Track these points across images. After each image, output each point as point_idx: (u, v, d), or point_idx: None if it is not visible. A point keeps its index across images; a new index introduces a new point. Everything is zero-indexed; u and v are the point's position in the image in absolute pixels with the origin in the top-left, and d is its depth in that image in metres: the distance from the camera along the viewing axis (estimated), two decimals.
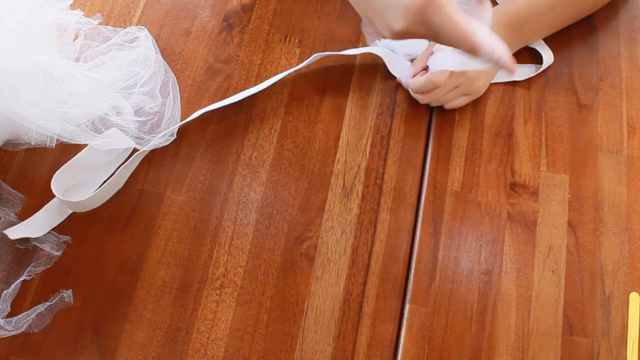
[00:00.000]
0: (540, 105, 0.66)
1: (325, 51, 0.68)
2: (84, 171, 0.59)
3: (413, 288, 0.57)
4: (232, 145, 0.63)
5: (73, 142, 0.55)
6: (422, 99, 0.64)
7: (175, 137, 0.60)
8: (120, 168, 0.59)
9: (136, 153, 0.60)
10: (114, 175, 0.58)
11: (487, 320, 0.56)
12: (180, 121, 0.62)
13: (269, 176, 0.61)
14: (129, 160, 0.59)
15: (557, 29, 0.67)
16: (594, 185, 0.62)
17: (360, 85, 0.66)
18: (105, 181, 0.59)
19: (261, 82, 0.66)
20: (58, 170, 0.58)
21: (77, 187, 0.59)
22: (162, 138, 0.59)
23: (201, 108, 0.64)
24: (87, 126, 0.57)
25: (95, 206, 0.59)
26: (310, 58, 0.65)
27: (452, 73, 0.61)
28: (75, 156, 0.59)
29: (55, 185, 0.57)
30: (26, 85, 0.54)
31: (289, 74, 0.65)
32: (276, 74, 0.66)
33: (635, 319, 0.56)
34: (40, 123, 0.53)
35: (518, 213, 0.61)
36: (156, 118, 0.61)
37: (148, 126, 0.60)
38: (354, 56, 0.68)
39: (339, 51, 0.67)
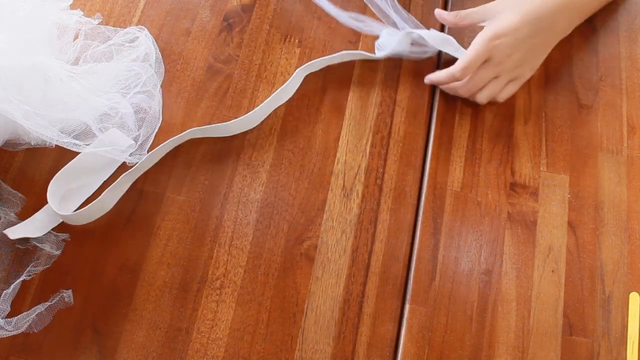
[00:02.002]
0: (540, 105, 0.66)
1: (324, 53, 0.68)
2: (81, 175, 0.59)
3: (413, 288, 0.57)
4: (232, 145, 0.63)
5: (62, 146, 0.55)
6: (461, 92, 0.63)
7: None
8: (107, 190, 0.57)
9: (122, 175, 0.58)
10: (101, 195, 0.57)
11: (487, 320, 0.56)
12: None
13: (269, 176, 0.61)
14: (116, 182, 0.58)
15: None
16: (594, 185, 0.62)
17: (360, 85, 0.66)
18: (99, 188, 0.59)
19: (261, 82, 0.66)
20: (54, 178, 0.57)
21: (75, 192, 0.59)
22: (133, 155, 0.58)
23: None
24: (74, 132, 0.56)
25: (89, 221, 0.58)
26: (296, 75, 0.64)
27: (487, 64, 0.61)
28: (72, 160, 0.58)
29: (51, 193, 0.57)
30: (19, 84, 0.53)
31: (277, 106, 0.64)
32: (276, 74, 0.67)
33: (635, 319, 0.56)
34: (26, 123, 0.52)
35: (518, 213, 0.61)
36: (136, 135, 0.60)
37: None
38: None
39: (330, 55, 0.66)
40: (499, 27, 0.60)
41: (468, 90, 0.63)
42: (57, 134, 0.54)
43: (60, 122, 0.55)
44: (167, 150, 0.61)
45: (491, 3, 0.63)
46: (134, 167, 0.59)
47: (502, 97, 0.64)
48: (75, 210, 0.58)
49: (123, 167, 0.60)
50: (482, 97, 0.63)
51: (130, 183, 0.60)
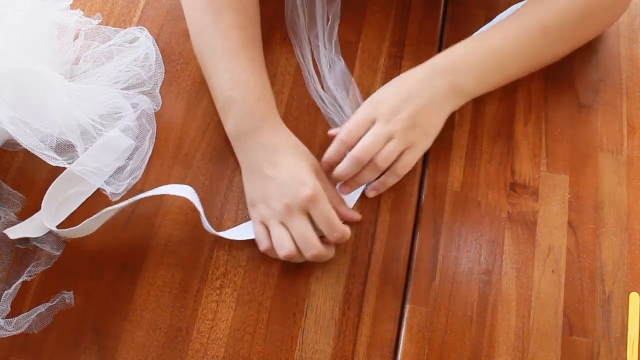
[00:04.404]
0: (540, 105, 0.66)
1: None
2: (78, 182, 0.58)
3: (413, 288, 0.57)
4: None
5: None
6: (365, 173, 0.58)
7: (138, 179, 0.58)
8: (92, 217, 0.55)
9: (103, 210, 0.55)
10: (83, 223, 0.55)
11: (487, 320, 0.56)
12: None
13: None
14: (100, 212, 0.55)
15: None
16: (594, 185, 0.62)
17: (360, 85, 0.66)
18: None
19: None
20: (49, 190, 0.56)
21: (72, 198, 0.58)
22: (123, 183, 0.57)
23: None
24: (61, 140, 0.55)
25: (83, 235, 0.57)
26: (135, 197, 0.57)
27: (376, 124, 0.57)
28: (65, 170, 0.57)
29: (46, 205, 0.56)
30: (11, 87, 0.53)
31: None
32: (275, 74, 0.66)
33: (635, 319, 0.56)
34: (10, 128, 0.51)
35: (518, 213, 0.61)
36: (123, 163, 0.58)
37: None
38: (355, 54, 0.68)
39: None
40: (381, 90, 0.60)
41: (365, 154, 0.57)
42: (37, 144, 0.52)
43: (62, 122, 0.55)
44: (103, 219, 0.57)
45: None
46: (117, 205, 0.55)
47: (400, 167, 0.59)
48: (64, 227, 0.56)
49: (117, 171, 0.58)
50: (380, 161, 0.57)
51: (111, 215, 0.56)
